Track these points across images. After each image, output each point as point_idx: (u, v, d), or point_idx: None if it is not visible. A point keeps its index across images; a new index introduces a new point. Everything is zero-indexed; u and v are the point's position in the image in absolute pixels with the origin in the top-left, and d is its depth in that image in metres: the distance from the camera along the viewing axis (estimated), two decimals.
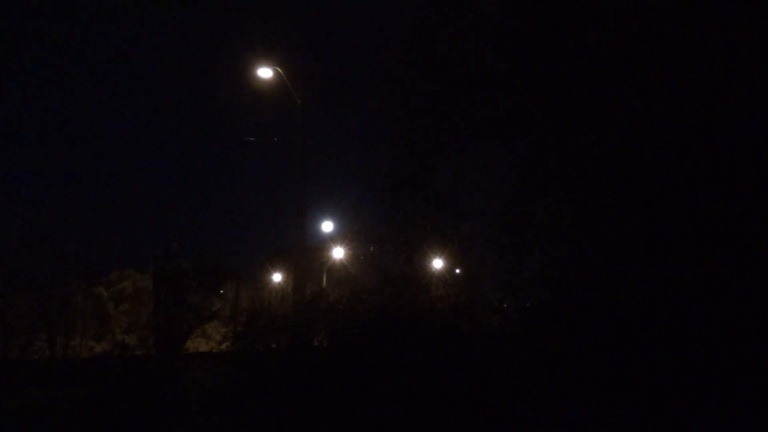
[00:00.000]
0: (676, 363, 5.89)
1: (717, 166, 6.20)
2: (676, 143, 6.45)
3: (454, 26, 8.97)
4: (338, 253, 11.25)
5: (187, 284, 9.71)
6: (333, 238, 11.28)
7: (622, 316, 6.51)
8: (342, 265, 11.14)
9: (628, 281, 6.66)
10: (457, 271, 10.60)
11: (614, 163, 7.04)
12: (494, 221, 8.97)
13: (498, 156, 9.28)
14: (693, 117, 6.37)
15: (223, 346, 8.99)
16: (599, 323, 6.75)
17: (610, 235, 7.09)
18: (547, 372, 7.04)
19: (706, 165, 6.26)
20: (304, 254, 9.94)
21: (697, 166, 6.30)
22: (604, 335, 6.61)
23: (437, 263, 10.18)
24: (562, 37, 7.56)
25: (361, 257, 10.70)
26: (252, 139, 11.51)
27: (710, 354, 5.74)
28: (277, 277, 12.68)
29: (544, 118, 8.08)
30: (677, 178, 6.44)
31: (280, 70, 10.00)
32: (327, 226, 11.36)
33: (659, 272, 6.36)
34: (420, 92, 9.39)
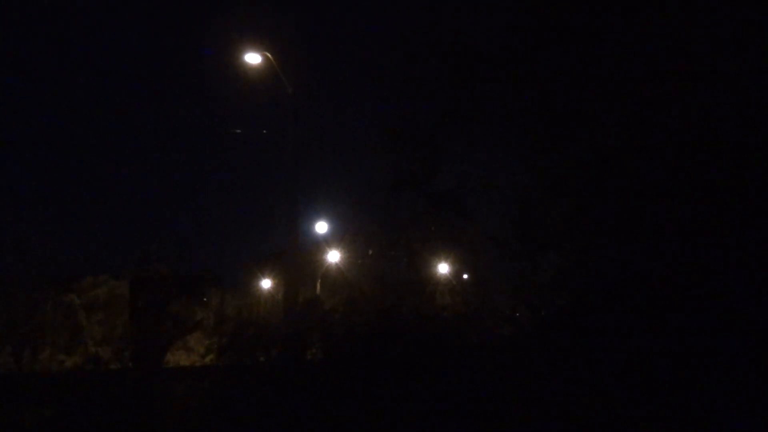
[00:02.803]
0: (718, 384, 5.82)
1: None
2: (717, 134, 6.40)
3: (460, 3, 8.94)
4: (334, 256, 11.20)
5: (167, 291, 9.71)
6: (328, 241, 11.26)
7: (650, 327, 6.45)
8: (338, 270, 11.09)
9: (657, 288, 6.61)
10: (465, 276, 10.57)
11: (641, 157, 7.00)
12: (505, 221, 8.96)
13: (509, 150, 9.28)
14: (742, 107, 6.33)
15: (207, 359, 8.98)
16: (624, 335, 6.70)
17: (636, 236, 7.04)
18: (566, 390, 6.99)
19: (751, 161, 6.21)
20: (296, 258, 9.88)
21: (740, 160, 6.25)
22: (629, 349, 6.56)
23: (443, 268, 10.17)
24: (581, 14, 7.53)
25: (359, 261, 10.68)
26: (238, 131, 11.47)
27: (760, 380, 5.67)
28: (266, 284, 12.63)
29: (560, 107, 8.05)
30: (718, 174, 6.38)
31: (269, 55, 9.93)
32: (321, 228, 11.31)
33: (694, 278, 6.30)
34: (423, 80, 9.35)
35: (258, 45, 9.92)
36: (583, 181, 7.91)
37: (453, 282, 10.15)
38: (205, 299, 11.27)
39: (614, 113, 7.35)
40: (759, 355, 5.67)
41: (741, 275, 6.00)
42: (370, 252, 10.42)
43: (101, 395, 7.81)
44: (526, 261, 8.72)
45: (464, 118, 9.28)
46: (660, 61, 6.87)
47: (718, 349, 5.85)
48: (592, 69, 7.62)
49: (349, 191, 11.01)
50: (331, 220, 11.57)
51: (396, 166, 9.80)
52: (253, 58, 9.90)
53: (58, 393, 7.94)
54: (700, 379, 5.90)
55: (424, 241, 9.73)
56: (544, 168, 8.70)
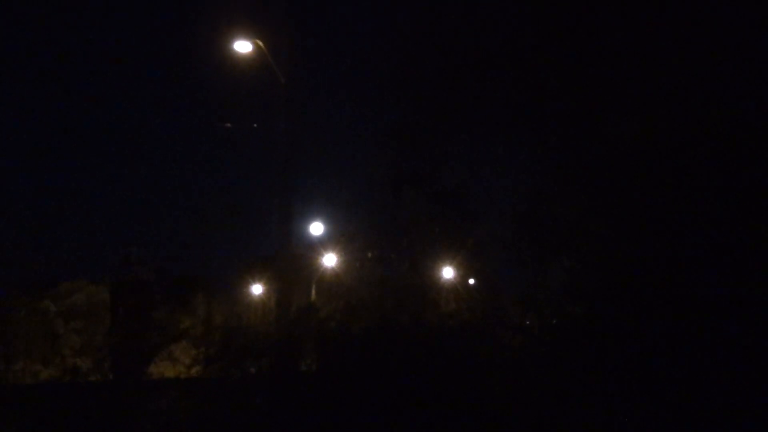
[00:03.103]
0: (747, 400, 5.72)
1: None
2: (746, 130, 6.31)
3: None
4: (330, 260, 11.10)
5: (150, 297, 9.62)
6: (324, 243, 11.15)
7: (671, 338, 6.34)
8: (334, 275, 11.00)
9: (679, 295, 6.50)
10: (471, 281, 10.50)
11: (662, 153, 6.89)
12: (514, 223, 8.90)
13: (517, 146, 9.21)
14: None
15: (193, 371, 8.92)
16: (643, 346, 6.60)
17: (655, 238, 6.93)
18: (577, 403, 6.90)
19: None
20: (290, 262, 9.78)
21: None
22: (648, 361, 6.45)
23: (447, 272, 10.07)
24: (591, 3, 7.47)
25: (357, 265, 10.59)
26: (228, 125, 11.34)
27: None
28: (257, 289, 12.53)
29: (572, 99, 7.96)
30: (747, 172, 6.29)
31: (261, 43, 9.79)
32: (317, 229, 11.21)
33: (720, 284, 6.19)
34: (426, 73, 9.26)
35: (248, 32, 9.80)
36: (597, 179, 7.82)
37: (458, 287, 10.07)
38: (191, 306, 11.15)
39: (631, 105, 7.24)
40: None
41: None
42: (369, 255, 10.35)
43: (80, 409, 7.74)
44: (536, 265, 8.67)
45: (469, 112, 9.20)
46: (683, 49, 6.78)
47: (749, 362, 5.74)
48: (605, 58, 7.54)
49: (346, 190, 10.88)
50: (327, 221, 11.48)
51: (397, 163, 9.71)
52: (243, 47, 9.76)
53: (34, 407, 7.85)
54: (727, 397, 5.79)
55: (427, 243, 9.68)
56: (554, 165, 8.64)
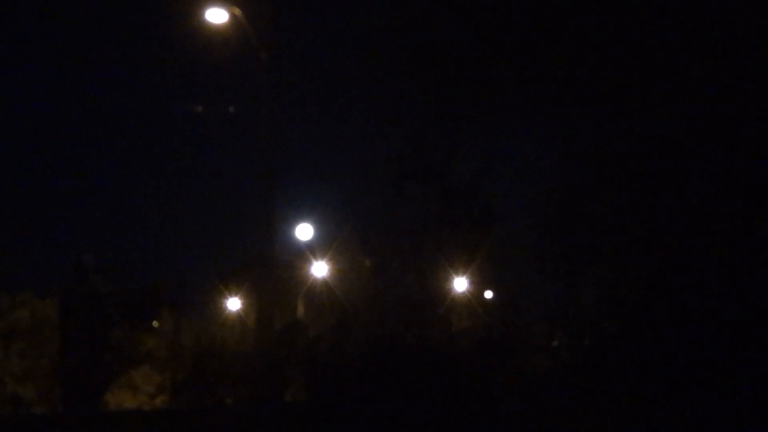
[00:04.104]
0: None
1: None
2: None
3: None
4: (320, 269, 11.15)
5: (107, 314, 9.67)
6: (313, 249, 11.20)
7: (726, 363, 6.39)
8: (325, 287, 11.05)
9: (735, 311, 6.55)
10: (488, 294, 10.60)
11: (715, 144, 6.95)
12: (539, 225, 8.98)
13: (545, 134, 9.30)
14: None
15: (158, 400, 8.99)
16: (690, 372, 6.65)
17: (709, 245, 6.99)
18: None
19: None
20: (272, 271, 9.83)
21: None
22: (697, 390, 6.51)
23: (460, 284, 10.15)
24: None
25: (353, 275, 10.66)
26: (198, 109, 11.40)
27: None
28: (234, 304, 12.58)
29: (611, 77, 8.01)
30: None
31: (238, 12, 9.83)
32: (305, 233, 11.25)
33: None
34: (436, 45, 9.33)
35: None
36: (640, 175, 7.89)
37: (472, 302, 10.16)
38: (155, 324, 11.21)
39: (683, 86, 7.29)
40: None
41: None
42: (367, 263, 10.43)
43: None
44: (566, 275, 8.78)
45: (487, 93, 9.27)
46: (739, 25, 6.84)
47: None
48: (651, 31, 7.59)
49: (340, 187, 10.93)
50: (318, 224, 11.54)
51: (400, 154, 9.78)
52: (216, 15, 9.80)
53: None
54: None
55: (437, 248, 9.76)
56: (587, 157, 8.72)
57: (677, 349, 6.95)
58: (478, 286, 10.32)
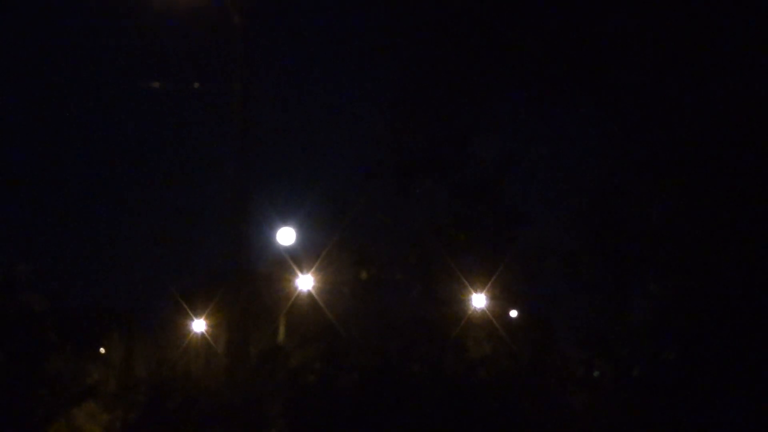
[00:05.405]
0: None
1: None
2: None
3: None
4: (306, 282, 11.23)
5: (42, 338, 9.71)
6: (297, 258, 11.27)
7: None
8: (313, 304, 11.12)
9: None
10: (513, 313, 10.65)
11: None
12: (576, 228, 9.04)
13: (577, 119, 9.37)
14: None
15: None
16: (761, 406, 6.73)
17: None
18: None
19: None
20: (247, 286, 9.92)
21: None
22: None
23: (478, 300, 10.21)
24: None
25: (346, 290, 10.73)
26: (157, 85, 11.50)
27: None
28: (199, 326, 12.64)
29: (660, 51, 8.11)
30: None
31: None
32: (287, 237, 11.31)
33: None
34: (447, 12, 9.44)
35: None
36: (696, 166, 7.97)
37: (493, 322, 10.20)
38: (103, 350, 11.27)
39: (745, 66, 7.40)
40: None
41: None
42: (365, 275, 10.49)
43: None
44: (609, 290, 8.83)
45: (508, 70, 9.36)
46: None
47: None
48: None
49: (331, 182, 10.99)
50: (303, 227, 11.61)
51: (405, 143, 9.94)
52: None
53: None
54: None
55: (449, 257, 9.82)
56: (632, 145, 8.79)
57: (753, 382, 7.01)
58: (501, 303, 10.35)
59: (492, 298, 10.15)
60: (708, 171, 7.85)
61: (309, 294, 11.07)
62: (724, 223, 7.69)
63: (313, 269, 11.00)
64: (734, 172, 7.61)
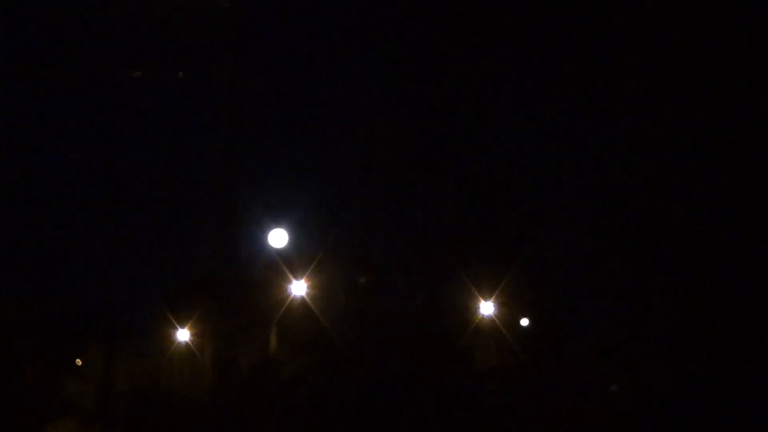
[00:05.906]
0: None
1: None
2: None
3: None
4: (300, 288, 11.25)
5: (12, 348, 9.76)
6: (291, 261, 11.29)
7: None
8: (307, 312, 11.15)
9: None
10: (524, 322, 10.66)
11: None
12: (592, 227, 9.05)
13: (597, 108, 9.36)
14: None
15: None
16: None
17: None
18: None
19: None
20: (235, 291, 9.96)
21: None
22: None
23: (486, 308, 10.22)
24: None
25: (343, 297, 10.75)
26: (136, 73, 11.54)
27: None
28: (184, 335, 12.66)
29: (677, 48, 8.14)
30: None
31: None
32: (279, 239, 11.33)
33: None
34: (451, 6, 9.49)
35: None
36: (728, 160, 7.97)
37: (503, 331, 10.22)
38: (79, 361, 11.30)
39: None
40: None
41: None
42: (363, 280, 10.51)
43: None
44: (629, 297, 8.82)
45: (524, 51, 9.37)
46: None
47: None
48: None
49: (327, 178, 10.98)
50: (297, 227, 11.63)
51: (408, 135, 9.97)
52: None
53: None
54: None
55: (456, 260, 9.84)
56: (658, 139, 8.79)
57: None
58: (511, 310, 10.36)
59: (501, 305, 10.16)
60: (734, 172, 7.86)
61: (302, 300, 11.10)
62: (752, 228, 7.71)
63: (307, 274, 11.03)
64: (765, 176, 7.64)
